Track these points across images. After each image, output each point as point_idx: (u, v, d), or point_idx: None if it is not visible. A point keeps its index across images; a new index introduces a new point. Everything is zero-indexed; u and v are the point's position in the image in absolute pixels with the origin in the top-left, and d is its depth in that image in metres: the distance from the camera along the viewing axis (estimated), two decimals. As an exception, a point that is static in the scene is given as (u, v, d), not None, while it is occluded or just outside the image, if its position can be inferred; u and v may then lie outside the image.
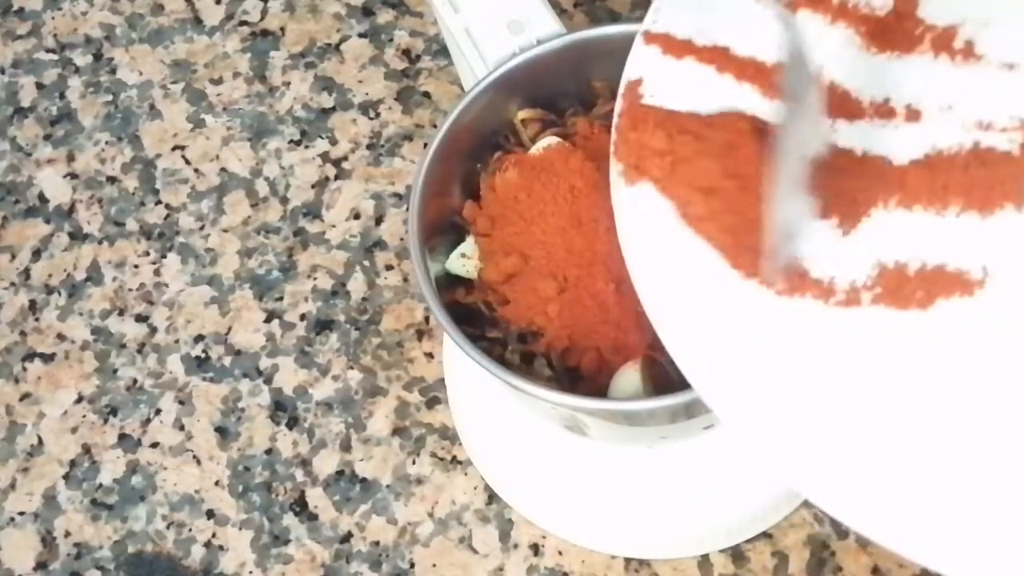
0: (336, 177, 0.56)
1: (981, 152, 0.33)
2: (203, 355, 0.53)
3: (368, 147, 0.57)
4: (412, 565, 0.47)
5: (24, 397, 0.52)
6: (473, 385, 0.48)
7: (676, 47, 0.37)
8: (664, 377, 0.38)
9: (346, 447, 0.50)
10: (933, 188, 0.33)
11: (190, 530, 0.49)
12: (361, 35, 0.60)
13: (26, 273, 0.55)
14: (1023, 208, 0.32)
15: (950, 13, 0.36)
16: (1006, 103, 0.34)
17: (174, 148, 0.58)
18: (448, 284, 0.41)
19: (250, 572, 0.48)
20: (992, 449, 0.30)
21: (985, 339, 0.31)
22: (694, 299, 0.34)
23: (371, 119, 0.57)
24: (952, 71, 0.35)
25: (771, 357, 0.32)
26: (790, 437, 0.31)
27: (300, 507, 0.49)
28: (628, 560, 0.47)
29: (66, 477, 0.51)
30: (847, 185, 0.34)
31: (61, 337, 0.54)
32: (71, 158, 0.58)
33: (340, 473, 0.49)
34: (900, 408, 0.31)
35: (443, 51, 0.58)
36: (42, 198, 0.57)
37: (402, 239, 0.54)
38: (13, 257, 0.56)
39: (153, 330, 0.53)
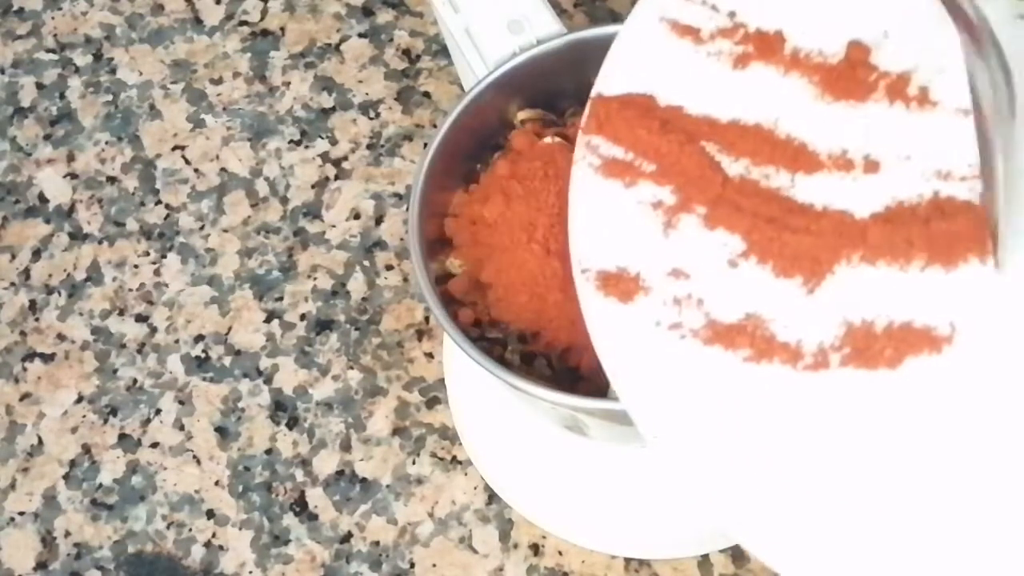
0: (336, 177, 0.56)
1: (941, 202, 0.33)
2: (203, 355, 0.53)
3: (368, 147, 0.57)
4: (412, 565, 0.47)
5: (24, 397, 0.52)
6: (473, 385, 0.48)
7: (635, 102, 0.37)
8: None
9: (346, 447, 0.50)
10: (895, 243, 0.33)
11: (190, 530, 0.49)
12: (361, 35, 0.60)
13: (26, 273, 0.55)
14: (987, 260, 0.32)
15: (903, 59, 0.35)
16: (963, 150, 0.33)
17: (174, 148, 0.58)
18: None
19: (250, 572, 0.48)
20: (962, 511, 0.30)
21: (954, 397, 0.31)
22: (658, 366, 0.33)
23: (371, 119, 0.57)
24: (908, 119, 0.34)
25: (739, 424, 0.32)
26: (766, 512, 0.31)
27: (300, 507, 0.49)
28: (628, 560, 0.47)
29: (66, 477, 0.51)
30: (808, 243, 0.33)
31: (61, 337, 0.54)
32: (71, 158, 0.58)
33: (340, 473, 0.49)
34: (873, 471, 0.31)
35: (443, 51, 0.58)
36: (42, 198, 0.57)
37: (402, 239, 0.54)
38: (13, 257, 0.56)
39: (153, 330, 0.53)
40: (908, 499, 0.30)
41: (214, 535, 0.49)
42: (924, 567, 0.30)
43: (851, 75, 0.36)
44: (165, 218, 0.56)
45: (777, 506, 0.31)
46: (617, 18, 0.58)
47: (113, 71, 0.60)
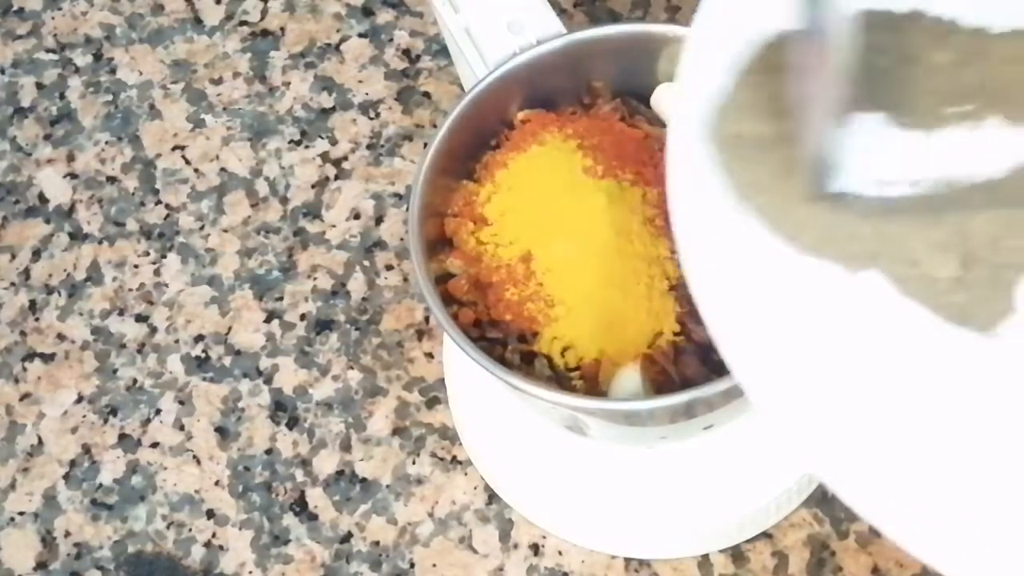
0: (336, 177, 0.56)
1: None
2: (203, 355, 0.53)
3: (368, 147, 0.57)
4: (412, 565, 0.47)
5: (24, 397, 0.52)
6: (473, 385, 0.48)
7: None
8: (664, 377, 0.38)
9: (346, 447, 0.50)
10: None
11: (190, 530, 0.49)
12: (361, 35, 0.60)
13: (26, 273, 0.55)
14: None
15: None
16: None
17: (174, 148, 0.58)
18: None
19: (250, 572, 0.48)
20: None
21: None
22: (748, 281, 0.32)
23: (371, 119, 0.57)
24: None
25: (813, 344, 0.31)
26: (825, 426, 0.30)
27: (300, 507, 0.49)
28: (628, 560, 0.47)
29: (66, 477, 0.51)
30: None
31: (61, 337, 0.54)
32: (71, 158, 0.58)
33: (340, 473, 0.49)
34: (944, 408, 0.30)
35: (443, 51, 0.58)
36: (42, 198, 0.57)
37: (402, 239, 0.54)
38: (13, 257, 0.56)
39: (153, 330, 0.53)
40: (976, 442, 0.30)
41: (214, 535, 0.49)
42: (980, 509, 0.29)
43: None
44: (165, 218, 0.56)
45: (871, 451, 0.30)
46: (617, 18, 0.58)
47: (113, 71, 0.60)
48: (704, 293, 0.32)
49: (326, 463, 0.50)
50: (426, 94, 0.58)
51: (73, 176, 0.58)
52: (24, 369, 0.53)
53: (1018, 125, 0.33)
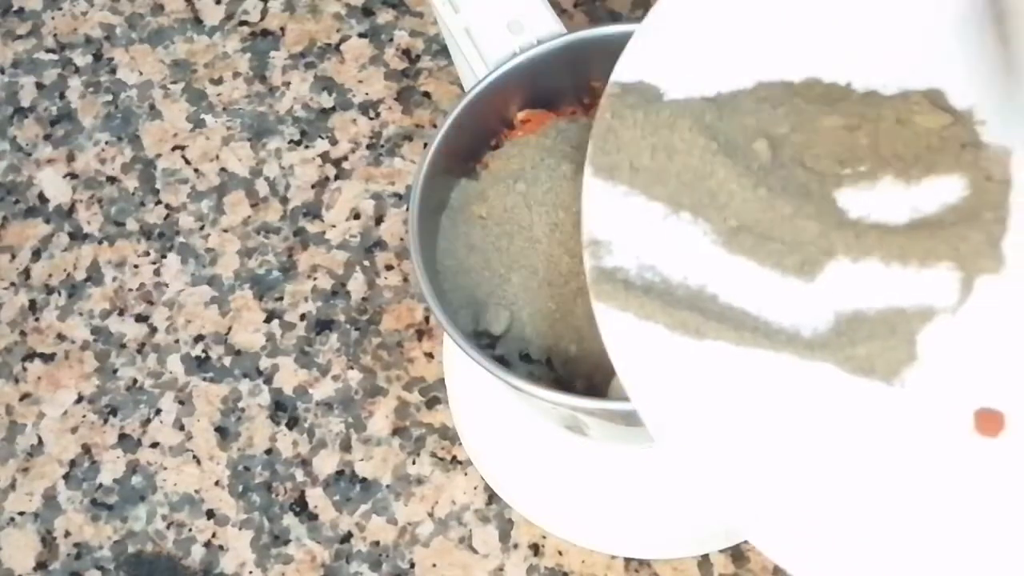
0: (336, 177, 0.56)
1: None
2: (203, 355, 0.53)
3: (368, 147, 0.57)
4: (412, 565, 0.47)
5: (24, 397, 0.52)
6: (473, 385, 0.48)
7: None
8: (664, 377, 0.38)
9: (346, 447, 0.50)
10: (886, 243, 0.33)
11: (190, 530, 0.49)
12: (361, 35, 0.60)
13: (26, 273, 0.55)
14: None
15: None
16: None
17: (174, 148, 0.58)
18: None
19: (250, 572, 0.48)
20: (971, 507, 0.30)
21: (964, 394, 0.31)
22: (661, 357, 0.33)
23: (371, 119, 0.57)
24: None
25: (725, 396, 0.32)
26: (737, 476, 0.31)
27: (300, 507, 0.49)
28: (628, 560, 0.47)
29: (66, 477, 0.51)
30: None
31: (61, 337, 0.54)
32: (71, 158, 0.58)
33: (340, 473, 0.49)
34: (853, 459, 0.31)
35: (443, 51, 0.58)
36: (42, 198, 0.57)
37: (402, 239, 0.54)
38: (13, 257, 0.56)
39: (153, 330, 0.53)
40: (915, 496, 0.30)
41: (214, 535, 0.49)
42: (934, 562, 0.30)
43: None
44: (165, 218, 0.56)
45: (783, 500, 0.31)
46: (617, 18, 0.58)
47: (113, 71, 0.60)
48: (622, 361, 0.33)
49: (326, 463, 0.50)
50: (426, 94, 0.58)
51: (73, 176, 0.58)
52: (24, 369, 0.53)
53: (911, 183, 0.34)
